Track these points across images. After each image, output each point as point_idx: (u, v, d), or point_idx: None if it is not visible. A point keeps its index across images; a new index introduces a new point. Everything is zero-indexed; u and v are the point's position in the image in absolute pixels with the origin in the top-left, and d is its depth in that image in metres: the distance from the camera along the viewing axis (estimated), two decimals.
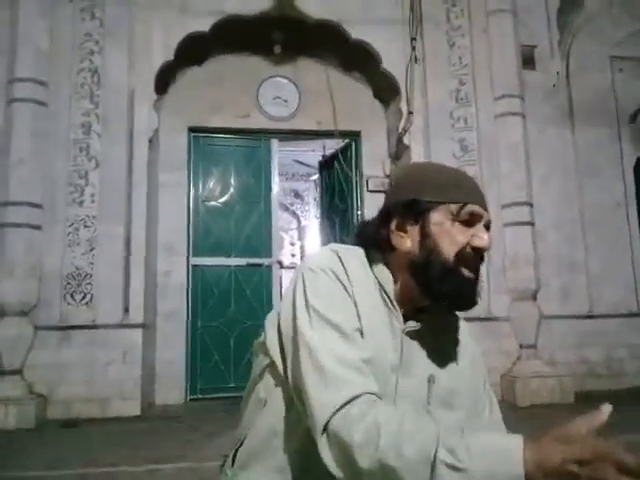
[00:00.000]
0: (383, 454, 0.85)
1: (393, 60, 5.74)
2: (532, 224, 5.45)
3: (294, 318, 1.03)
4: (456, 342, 1.19)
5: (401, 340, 1.08)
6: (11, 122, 4.78)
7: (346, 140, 6.43)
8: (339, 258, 1.08)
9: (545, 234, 5.64)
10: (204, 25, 5.42)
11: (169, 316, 5.56)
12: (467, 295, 1.07)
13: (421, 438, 0.84)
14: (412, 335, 1.09)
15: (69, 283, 4.79)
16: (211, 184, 6.03)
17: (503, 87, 5.57)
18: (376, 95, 6.31)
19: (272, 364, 1.10)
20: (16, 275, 4.58)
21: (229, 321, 5.75)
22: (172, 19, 5.38)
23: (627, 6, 6.31)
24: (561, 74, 6.08)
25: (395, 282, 1.11)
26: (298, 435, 1.04)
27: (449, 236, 1.06)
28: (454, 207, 1.06)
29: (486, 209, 1.10)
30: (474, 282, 1.07)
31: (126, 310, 4.86)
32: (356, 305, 1.04)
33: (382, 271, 1.11)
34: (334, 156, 6.76)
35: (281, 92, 6.15)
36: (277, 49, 5.95)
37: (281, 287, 6.07)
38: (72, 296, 4.78)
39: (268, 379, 1.12)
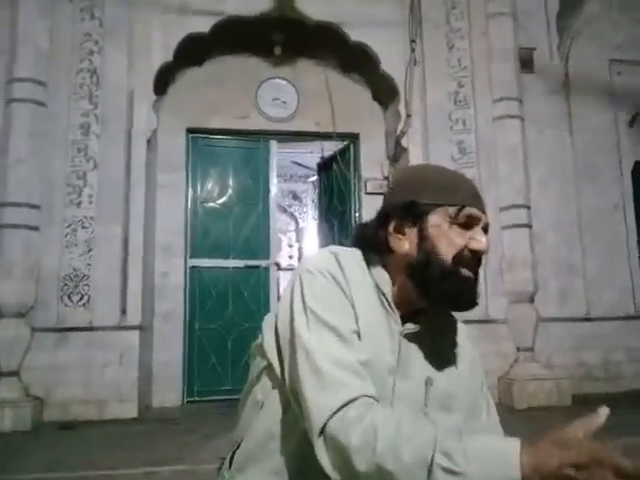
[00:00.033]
0: (380, 457, 0.85)
1: (392, 62, 5.76)
2: (530, 226, 5.46)
3: (291, 320, 1.03)
4: (454, 344, 1.18)
5: (399, 342, 1.08)
6: (10, 122, 4.78)
7: (345, 142, 6.44)
8: (337, 260, 1.08)
9: (543, 237, 5.65)
10: (204, 26, 5.43)
11: (166, 318, 5.55)
12: (466, 295, 1.07)
13: (418, 442, 0.84)
14: (410, 337, 1.09)
15: (66, 284, 4.78)
16: (209, 185, 6.03)
17: (502, 90, 5.59)
18: (375, 97, 6.32)
19: (269, 366, 1.09)
20: (13, 276, 4.58)
21: (227, 323, 5.74)
22: (172, 20, 5.39)
23: (626, 9, 6.33)
24: (560, 77, 6.09)
25: (393, 284, 1.10)
26: (295, 437, 1.03)
27: (447, 239, 1.05)
28: (452, 210, 1.06)
29: (484, 212, 1.09)
30: (473, 282, 1.07)
31: (123, 312, 4.86)
32: (354, 307, 1.04)
33: (380, 273, 1.11)
34: (332, 158, 6.76)
35: (280, 93, 6.16)
36: (277, 50, 5.96)
37: (279, 289, 6.07)
38: (69, 297, 4.77)
39: (265, 381, 1.11)
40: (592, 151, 6.01)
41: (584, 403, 4.71)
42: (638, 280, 5.98)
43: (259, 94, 6.10)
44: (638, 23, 6.33)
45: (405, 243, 1.09)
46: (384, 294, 1.09)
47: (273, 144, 6.24)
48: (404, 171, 1.50)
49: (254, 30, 5.63)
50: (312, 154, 9.37)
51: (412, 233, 1.08)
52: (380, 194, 5.73)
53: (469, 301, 1.07)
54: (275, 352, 1.08)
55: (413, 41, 5.69)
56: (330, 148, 7.08)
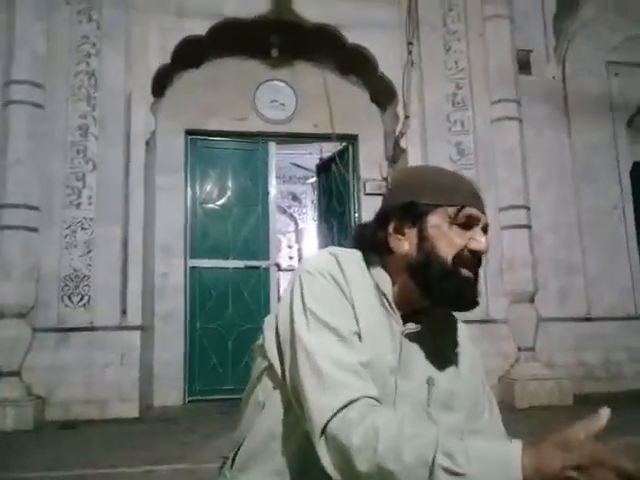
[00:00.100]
0: (381, 458, 0.85)
1: (390, 64, 5.76)
2: (529, 227, 5.46)
3: (292, 321, 1.04)
4: (455, 344, 1.19)
5: (400, 342, 1.08)
6: (7, 124, 4.78)
7: (343, 143, 6.44)
8: (337, 261, 1.08)
9: (542, 237, 5.66)
10: (201, 28, 5.42)
11: (167, 318, 5.55)
12: (467, 295, 1.07)
13: (420, 442, 0.84)
14: (411, 337, 1.10)
15: (67, 285, 4.78)
16: (208, 187, 6.03)
17: (499, 91, 5.59)
18: (373, 99, 6.33)
19: (270, 367, 1.10)
20: (13, 277, 4.58)
21: (227, 323, 5.75)
22: (169, 22, 5.38)
23: (623, 11, 6.33)
24: (557, 79, 6.10)
25: (393, 284, 1.11)
26: (296, 438, 1.04)
27: (447, 239, 1.06)
28: (452, 210, 1.06)
29: (484, 212, 1.10)
30: (473, 282, 1.08)
31: (124, 312, 4.86)
32: (354, 308, 1.05)
33: (380, 274, 1.11)
34: (331, 159, 6.77)
35: (278, 95, 6.16)
36: (274, 53, 5.96)
37: (279, 290, 6.08)
38: (70, 298, 4.78)
39: (266, 382, 1.12)
40: (590, 152, 6.02)
41: (585, 403, 4.71)
42: (638, 280, 5.97)
43: (257, 96, 6.11)
44: (635, 24, 6.33)
45: (405, 244, 1.09)
46: (384, 294, 1.10)
47: (272, 146, 6.25)
48: (403, 172, 1.51)
49: (252, 32, 5.63)
50: (311, 155, 9.37)
51: (412, 234, 1.09)
52: (379, 195, 5.74)
53: (470, 301, 1.07)
54: (276, 353, 1.08)
55: (410, 43, 5.70)
56: (329, 149, 7.09)
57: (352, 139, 6.33)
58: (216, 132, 6.03)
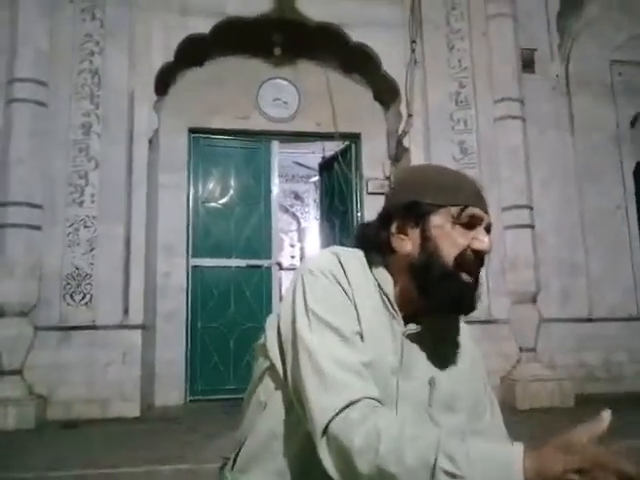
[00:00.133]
0: (383, 459, 0.85)
1: (393, 63, 5.75)
2: (532, 227, 5.45)
3: (293, 321, 1.03)
4: (456, 344, 1.18)
5: (401, 343, 1.08)
6: (11, 122, 4.78)
7: (346, 142, 6.43)
8: (339, 261, 1.08)
9: (545, 237, 5.64)
10: (204, 27, 5.42)
11: (169, 317, 5.56)
12: (466, 300, 1.07)
13: (421, 444, 0.84)
14: (412, 338, 1.09)
15: (69, 283, 4.78)
16: (211, 185, 6.03)
17: (503, 90, 5.58)
18: (376, 97, 6.32)
19: (272, 367, 1.10)
20: (16, 275, 4.58)
21: (229, 322, 5.75)
22: (172, 20, 5.39)
23: (627, 10, 6.31)
24: (561, 77, 6.08)
25: (395, 285, 1.10)
26: (298, 438, 1.04)
27: (449, 239, 1.05)
28: (455, 210, 1.06)
29: (487, 212, 1.09)
30: (473, 287, 1.07)
31: (126, 311, 4.86)
32: (356, 308, 1.04)
33: (382, 273, 1.11)
34: (334, 158, 6.76)
35: (281, 94, 6.16)
36: (277, 51, 5.96)
37: (280, 289, 6.07)
38: (72, 296, 4.78)
39: (268, 382, 1.11)
40: (594, 152, 6.00)
41: (586, 404, 4.69)
42: None
43: (260, 94, 6.11)
44: (639, 23, 6.32)
45: (407, 243, 1.09)
46: (386, 294, 1.09)
47: (274, 144, 6.25)
48: (406, 171, 1.50)
49: (255, 31, 5.62)
50: (313, 154, 9.39)
51: (414, 233, 1.08)
52: (381, 194, 5.73)
53: (467, 306, 1.08)
54: (277, 353, 1.08)
55: (414, 42, 5.69)
56: (331, 148, 7.08)
57: (355, 138, 6.33)
58: (219, 130, 6.03)
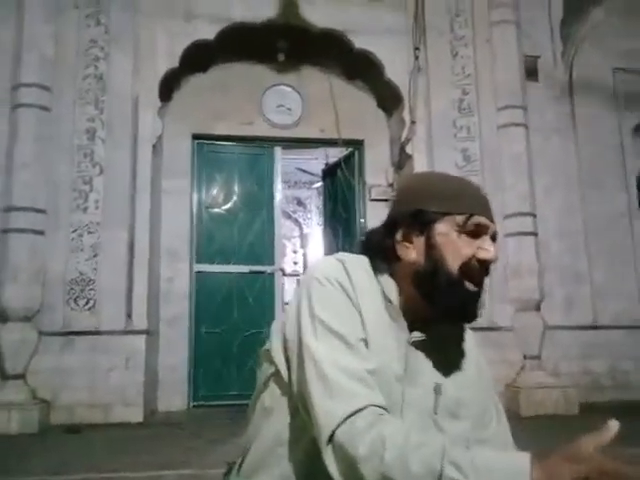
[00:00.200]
0: (388, 467, 0.85)
1: (396, 69, 5.76)
2: (535, 234, 5.44)
3: (299, 329, 1.03)
4: (462, 352, 1.18)
5: (406, 350, 1.07)
6: (15, 127, 4.80)
7: (349, 148, 6.45)
8: (344, 267, 1.08)
9: (548, 244, 5.64)
10: (209, 33, 5.45)
11: (172, 322, 5.56)
12: (469, 309, 1.07)
13: (427, 451, 0.84)
14: (417, 345, 1.09)
15: (72, 288, 4.79)
16: (214, 191, 6.04)
17: (506, 97, 5.59)
18: (379, 104, 6.33)
19: (277, 373, 1.10)
20: (20, 280, 4.58)
21: (232, 328, 5.75)
22: (177, 26, 5.41)
23: (631, 17, 6.31)
24: (564, 84, 6.09)
25: (400, 292, 1.10)
26: (303, 444, 1.04)
27: (455, 248, 1.05)
28: (460, 218, 1.06)
29: (492, 220, 1.09)
30: (477, 296, 1.07)
31: (129, 316, 4.86)
32: (361, 315, 1.04)
33: (387, 281, 1.11)
34: (337, 164, 6.77)
35: (285, 100, 6.17)
36: (281, 57, 5.97)
37: (283, 295, 6.07)
38: (75, 301, 4.78)
39: (273, 388, 1.11)
40: (597, 159, 6.00)
41: (591, 412, 4.66)
42: None
43: (264, 101, 6.12)
44: None
45: (412, 251, 1.09)
46: (391, 302, 1.09)
47: (278, 150, 6.25)
48: (410, 179, 1.50)
49: (259, 37, 5.64)
50: (317, 160, 9.40)
51: (420, 241, 1.08)
52: (385, 201, 5.74)
53: (472, 314, 1.08)
54: (283, 359, 1.08)
55: (417, 49, 5.70)
56: (335, 155, 7.10)
57: (358, 144, 6.34)
58: (223, 136, 6.04)
